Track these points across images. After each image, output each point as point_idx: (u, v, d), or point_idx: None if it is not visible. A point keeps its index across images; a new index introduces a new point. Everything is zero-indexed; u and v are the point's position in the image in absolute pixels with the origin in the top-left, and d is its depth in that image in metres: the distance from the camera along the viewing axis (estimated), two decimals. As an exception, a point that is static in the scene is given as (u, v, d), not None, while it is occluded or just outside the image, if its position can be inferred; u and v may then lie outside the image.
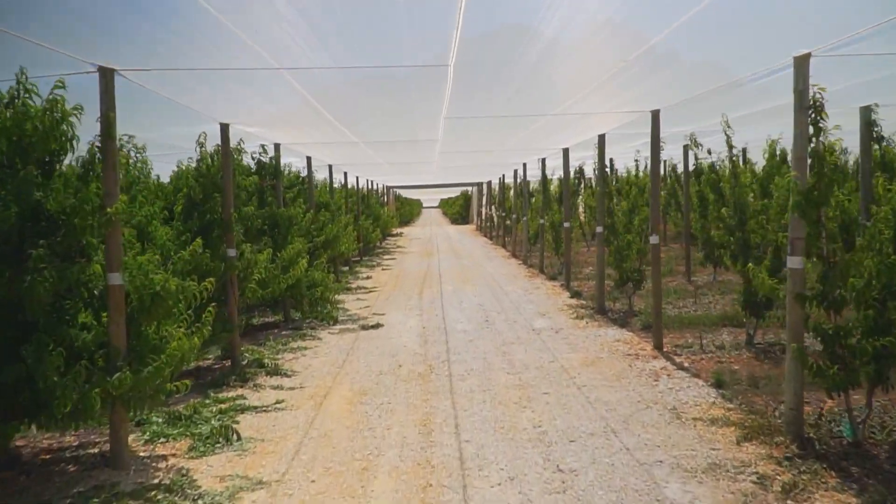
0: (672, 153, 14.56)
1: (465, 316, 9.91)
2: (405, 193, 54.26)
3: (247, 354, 7.74)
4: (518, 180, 19.41)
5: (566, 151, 12.45)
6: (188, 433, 5.20)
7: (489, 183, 29.57)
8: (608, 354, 7.26)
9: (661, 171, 19.33)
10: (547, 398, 5.85)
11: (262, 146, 9.60)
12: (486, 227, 30.89)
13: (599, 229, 9.66)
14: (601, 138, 9.62)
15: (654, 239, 7.31)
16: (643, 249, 9.51)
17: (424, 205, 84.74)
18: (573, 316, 9.56)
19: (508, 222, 22.96)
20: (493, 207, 28.01)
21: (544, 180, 14.89)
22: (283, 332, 9.21)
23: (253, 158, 9.56)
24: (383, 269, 17.13)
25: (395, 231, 34.96)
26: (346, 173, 17.39)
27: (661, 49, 5.82)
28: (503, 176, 23.53)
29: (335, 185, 19.53)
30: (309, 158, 12.20)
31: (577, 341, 7.98)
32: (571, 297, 11.28)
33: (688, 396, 5.74)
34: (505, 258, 19.23)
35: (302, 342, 8.52)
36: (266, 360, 7.41)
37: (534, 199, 19.12)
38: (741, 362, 6.75)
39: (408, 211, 49.88)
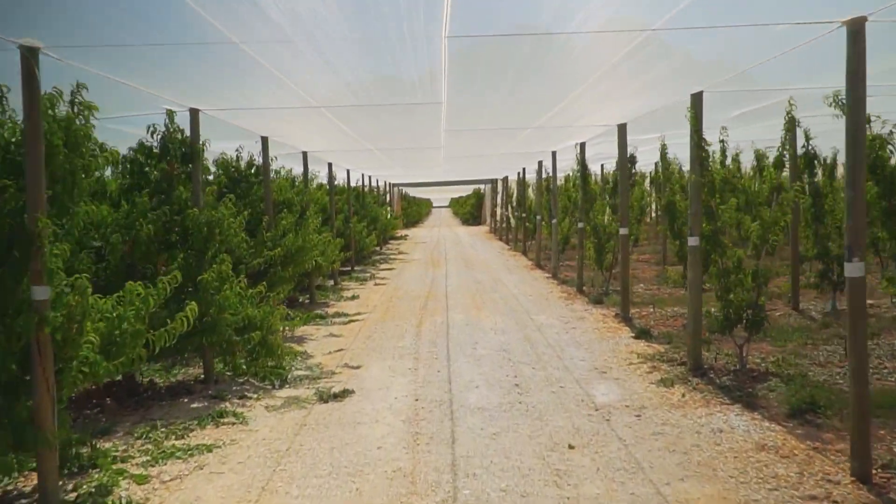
0: (740, 136, 10.78)
1: (483, 374, 6.44)
2: (413, 192, 50.83)
3: (94, 478, 4.31)
4: (544, 174, 15.99)
5: (622, 129, 8.96)
6: None
7: (505, 179, 26.13)
8: (768, 492, 3.76)
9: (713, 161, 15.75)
10: None
11: (170, 112, 6.19)
12: (501, 230, 27.41)
13: (693, 241, 6.16)
14: (697, 99, 6.14)
15: (855, 268, 3.76)
16: (764, 273, 6.02)
17: (435, 204, 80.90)
18: (654, 378, 6.06)
19: (529, 225, 19.51)
20: (510, 207, 24.55)
21: (584, 171, 11.37)
22: (196, 405, 5.80)
23: (154, 134, 6.16)
24: (376, 285, 13.67)
25: (399, 233, 31.57)
26: (330, 164, 13.96)
27: None
28: (523, 170, 20.08)
29: (318, 181, 16.27)
30: (264, 139, 8.81)
31: (685, 443, 4.49)
32: (636, 336, 7.76)
33: None
34: (528, 269, 15.72)
35: (213, 430, 5.11)
36: (116, 494, 4.00)
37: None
38: None
39: (416, 211, 46.46)
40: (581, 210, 11.49)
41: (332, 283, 13.58)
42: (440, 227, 41.91)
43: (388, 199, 29.78)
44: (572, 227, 17.63)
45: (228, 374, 6.60)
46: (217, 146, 8.08)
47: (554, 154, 13.73)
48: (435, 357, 7.18)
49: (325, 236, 10.17)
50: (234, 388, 6.24)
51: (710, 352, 6.68)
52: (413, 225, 44.45)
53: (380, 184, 26.96)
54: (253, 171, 8.69)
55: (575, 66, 5.78)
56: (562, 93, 6.95)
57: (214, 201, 6.66)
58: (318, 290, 12.26)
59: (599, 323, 8.72)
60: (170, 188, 6.09)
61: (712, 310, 6.38)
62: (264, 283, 6.73)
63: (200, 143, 6.47)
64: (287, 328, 8.07)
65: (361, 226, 16.21)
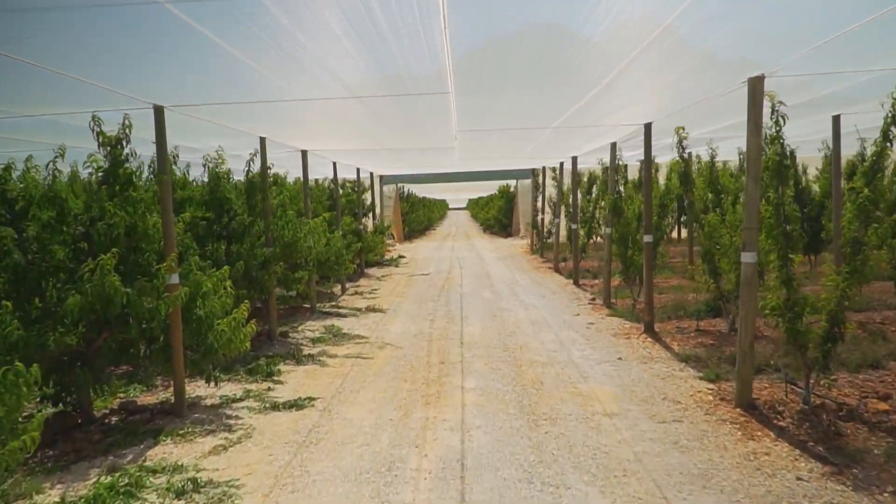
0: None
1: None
2: (424, 192, 40.12)
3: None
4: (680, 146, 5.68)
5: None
6: None
7: (558, 168, 15.68)
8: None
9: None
10: None
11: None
12: (553, 248, 16.93)
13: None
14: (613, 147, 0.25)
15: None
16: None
17: (451, 206, 69.78)
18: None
19: (635, 254, 9.05)
20: (574, 214, 14.05)
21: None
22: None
23: None
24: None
25: (392, 252, 21.20)
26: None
27: None
28: (612, 147, 9.53)
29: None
30: None
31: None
32: None
33: None
34: (701, 401, 5.18)
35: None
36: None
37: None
38: None
39: (423, 217, 35.62)
40: None
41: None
42: (455, 238, 31.20)
43: (372, 199, 19.32)
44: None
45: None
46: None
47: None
48: None
49: None
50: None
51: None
52: (420, 234, 33.95)
53: (340, 172, 16.51)
54: None
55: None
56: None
57: None
58: None
59: None
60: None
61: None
62: None
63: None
64: None
65: (212, 280, 5.60)
